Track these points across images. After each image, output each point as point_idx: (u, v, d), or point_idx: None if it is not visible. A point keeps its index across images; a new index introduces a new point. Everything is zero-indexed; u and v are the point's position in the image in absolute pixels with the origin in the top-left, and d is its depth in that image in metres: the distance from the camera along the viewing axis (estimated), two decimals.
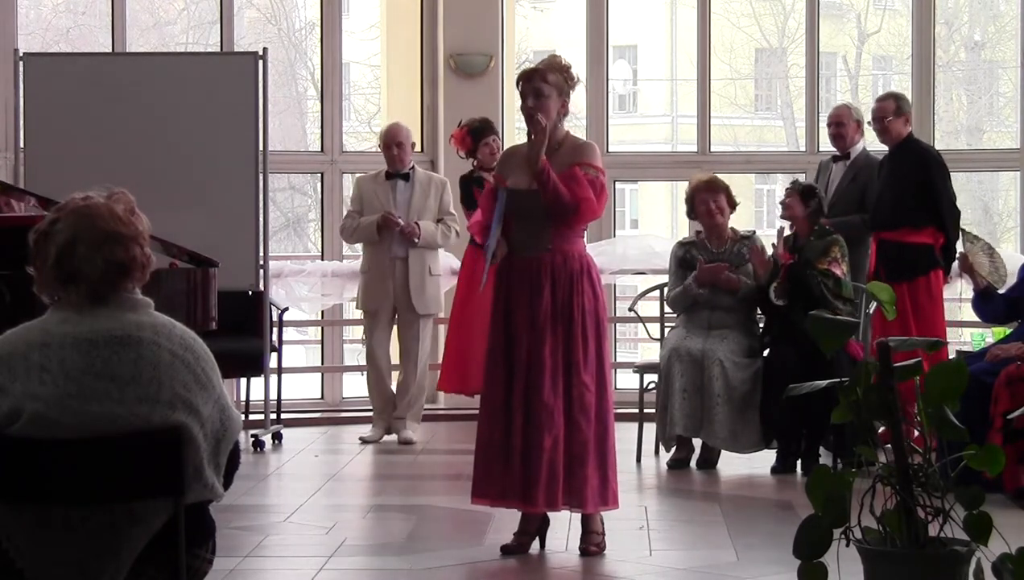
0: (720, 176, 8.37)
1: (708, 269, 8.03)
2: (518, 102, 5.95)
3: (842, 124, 8.62)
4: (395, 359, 9.09)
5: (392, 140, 8.82)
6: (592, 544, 5.86)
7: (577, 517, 5.96)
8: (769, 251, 8.09)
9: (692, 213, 8.28)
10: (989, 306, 7.69)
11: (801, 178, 9.11)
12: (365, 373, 9.05)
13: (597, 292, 5.87)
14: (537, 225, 5.80)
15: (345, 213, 9.11)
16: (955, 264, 8.21)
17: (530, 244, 5.82)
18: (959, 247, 8.10)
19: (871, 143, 8.75)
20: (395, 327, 8.93)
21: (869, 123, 8.44)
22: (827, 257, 7.83)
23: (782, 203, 8.18)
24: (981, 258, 7.74)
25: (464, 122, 8.97)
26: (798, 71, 15.01)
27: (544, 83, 5.81)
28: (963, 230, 8.14)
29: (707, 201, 8.12)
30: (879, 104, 8.38)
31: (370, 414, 9.04)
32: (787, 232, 8.07)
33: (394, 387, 8.95)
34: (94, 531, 3.38)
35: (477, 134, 8.87)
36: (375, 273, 8.78)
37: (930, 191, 8.17)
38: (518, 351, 5.78)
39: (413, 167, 8.90)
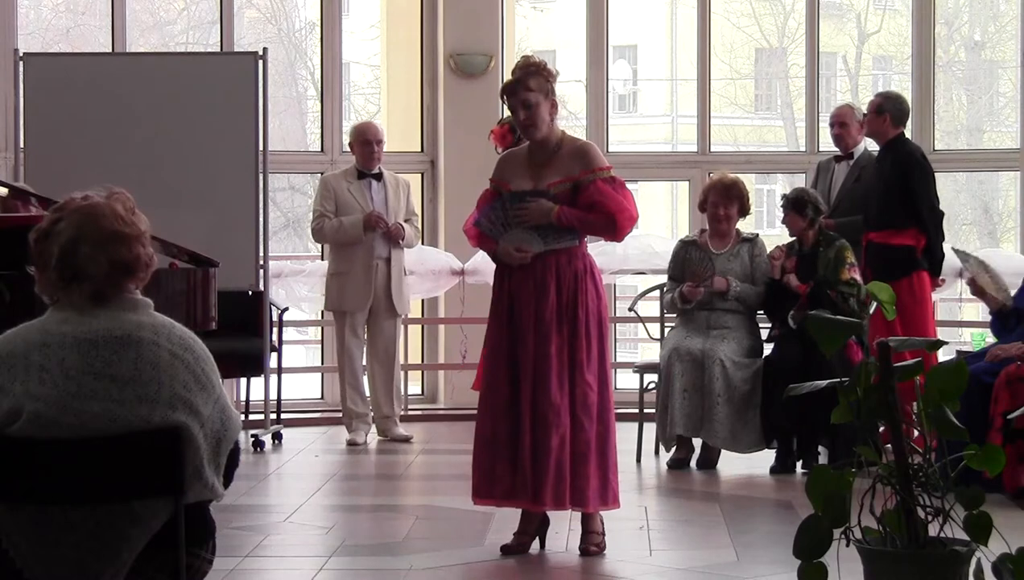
0: (739, 177, 8.36)
1: (689, 293, 8.05)
2: None
3: (845, 124, 8.62)
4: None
5: (373, 137, 8.78)
6: (592, 544, 5.85)
7: (577, 517, 5.96)
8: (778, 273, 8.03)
9: (703, 209, 8.29)
10: (1008, 324, 7.48)
11: (801, 180, 9.09)
12: (339, 375, 8.97)
13: (600, 292, 5.88)
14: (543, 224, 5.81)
15: (315, 213, 8.86)
16: (944, 266, 8.24)
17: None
18: (964, 273, 8.06)
19: (873, 143, 8.75)
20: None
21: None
22: (845, 265, 7.79)
23: (784, 222, 8.14)
24: (984, 277, 7.67)
25: (505, 119, 8.94)
26: (798, 71, 15.01)
27: (529, 92, 5.76)
28: (955, 249, 8.11)
29: (718, 205, 8.13)
30: (871, 101, 8.39)
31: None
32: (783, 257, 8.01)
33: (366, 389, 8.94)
34: (94, 531, 3.38)
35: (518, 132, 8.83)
36: (355, 274, 8.72)
37: (910, 193, 8.14)
38: (524, 350, 5.76)
39: (380, 167, 8.88)
